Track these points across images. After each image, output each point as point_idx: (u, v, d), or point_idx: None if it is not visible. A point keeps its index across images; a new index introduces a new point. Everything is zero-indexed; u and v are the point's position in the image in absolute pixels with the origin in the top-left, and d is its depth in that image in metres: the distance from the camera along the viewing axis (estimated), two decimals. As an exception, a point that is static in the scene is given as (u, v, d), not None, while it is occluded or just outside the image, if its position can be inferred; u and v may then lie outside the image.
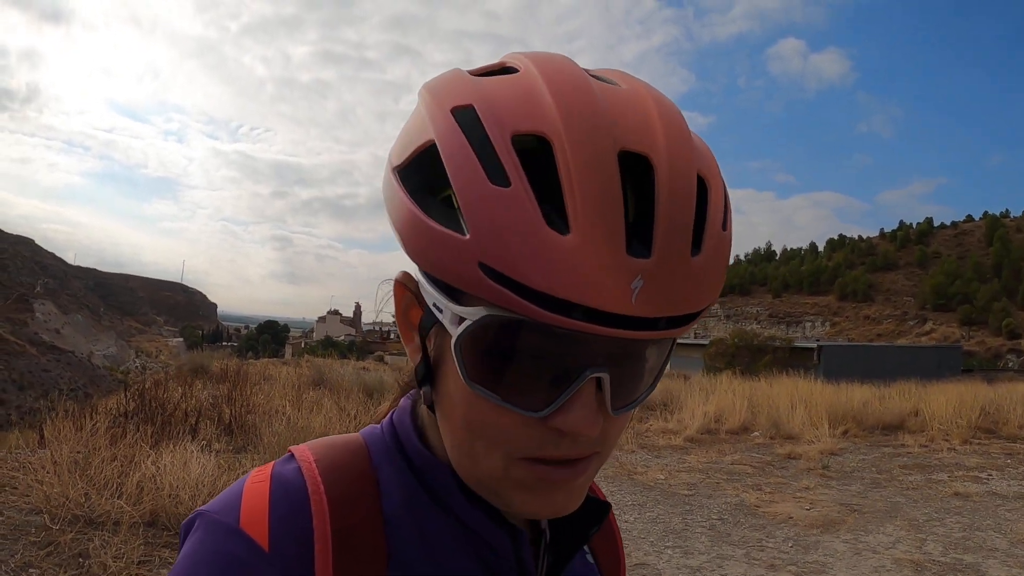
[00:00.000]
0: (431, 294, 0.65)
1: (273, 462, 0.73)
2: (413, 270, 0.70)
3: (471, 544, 0.71)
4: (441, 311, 0.63)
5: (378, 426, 0.80)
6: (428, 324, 0.68)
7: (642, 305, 0.56)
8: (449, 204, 0.59)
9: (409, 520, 0.70)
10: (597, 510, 0.77)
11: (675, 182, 0.58)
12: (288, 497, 0.67)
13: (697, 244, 0.60)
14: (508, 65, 0.67)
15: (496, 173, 0.57)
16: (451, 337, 0.62)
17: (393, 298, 0.73)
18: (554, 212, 0.56)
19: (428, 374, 0.70)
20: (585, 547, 0.87)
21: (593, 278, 0.54)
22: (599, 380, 0.60)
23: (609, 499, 0.88)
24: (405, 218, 0.62)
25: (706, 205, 0.62)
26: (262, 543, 0.63)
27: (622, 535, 0.97)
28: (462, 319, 0.60)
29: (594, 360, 0.60)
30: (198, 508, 0.69)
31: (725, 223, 0.63)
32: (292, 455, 0.74)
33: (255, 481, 0.69)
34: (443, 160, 0.59)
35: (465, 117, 0.60)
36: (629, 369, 0.63)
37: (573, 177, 0.56)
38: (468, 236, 0.56)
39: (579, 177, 0.56)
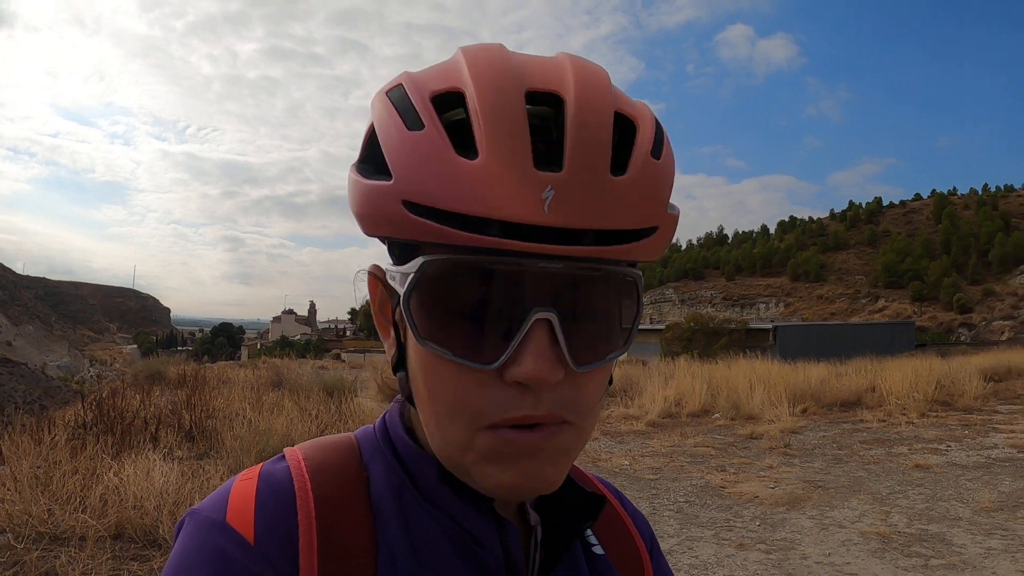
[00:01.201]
0: (389, 271, 0.68)
1: (263, 462, 0.75)
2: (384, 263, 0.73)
3: (459, 538, 0.71)
4: (395, 279, 0.66)
5: (371, 426, 0.81)
6: (394, 303, 0.71)
7: (556, 215, 0.57)
8: (385, 169, 0.63)
9: (397, 516, 0.71)
10: (592, 504, 0.77)
11: (586, 112, 0.61)
12: (274, 494, 0.69)
13: (621, 165, 0.61)
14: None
15: (412, 121, 0.61)
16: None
17: (369, 293, 0.76)
18: (465, 146, 0.59)
19: (401, 360, 0.72)
20: (594, 540, 0.87)
21: (503, 192, 0.57)
22: (550, 324, 0.60)
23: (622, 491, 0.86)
24: (352, 192, 0.68)
25: (634, 135, 0.64)
26: (247, 537, 0.65)
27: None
28: (405, 277, 0.63)
29: (538, 299, 0.60)
30: (190, 508, 0.71)
31: (657, 153, 0.65)
32: (283, 456, 0.76)
33: (243, 479, 0.71)
34: (376, 130, 0.65)
35: (395, 93, 0.65)
36: (580, 312, 0.62)
37: (480, 114, 0.59)
38: (392, 180, 0.61)
39: (486, 112, 0.59)
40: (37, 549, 4.87)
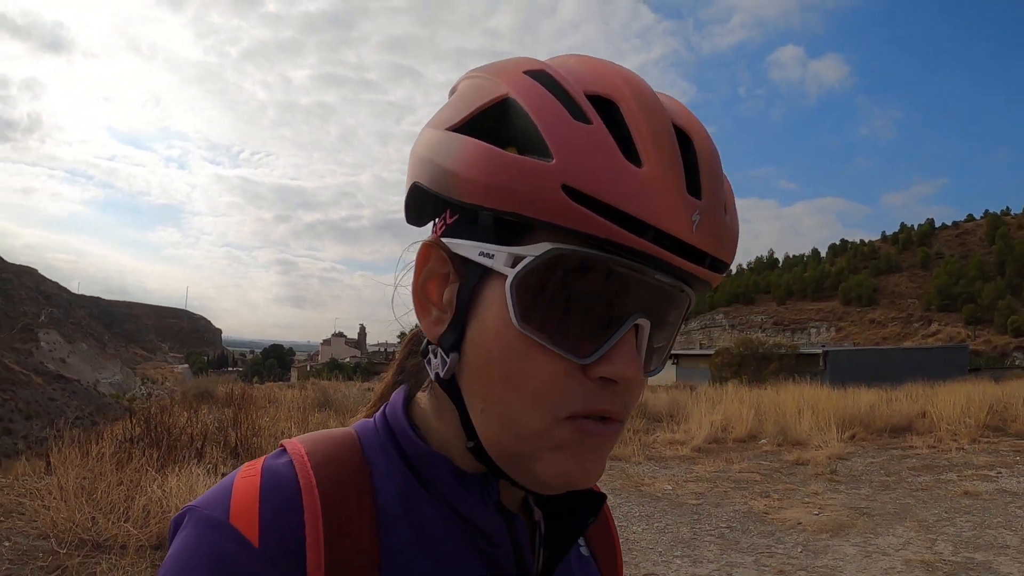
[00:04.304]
0: (474, 246, 0.66)
1: (264, 456, 0.73)
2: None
3: (467, 534, 0.71)
4: (491, 256, 0.65)
5: (371, 420, 0.79)
6: (469, 282, 0.68)
7: (700, 236, 0.63)
8: (537, 148, 0.63)
9: (403, 512, 0.69)
10: (592, 501, 0.77)
11: (711, 155, 0.67)
12: (279, 491, 0.66)
13: (724, 206, 0.67)
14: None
15: (577, 113, 0.63)
16: (502, 281, 0.64)
17: (415, 267, 0.72)
18: (626, 151, 0.62)
19: (457, 341, 0.69)
20: (581, 540, 0.87)
21: (664, 204, 0.61)
22: (638, 329, 0.65)
23: (616, 509, 0.87)
24: (479, 157, 0.64)
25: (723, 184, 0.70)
26: (251, 537, 0.62)
27: (631, 546, 0.97)
28: (519, 258, 0.63)
29: (640, 306, 0.64)
30: (188, 504, 0.68)
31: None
32: (284, 449, 0.73)
33: (245, 475, 0.68)
34: (523, 106, 0.64)
35: (540, 76, 0.66)
36: (661, 321, 0.67)
37: (642, 129, 0.63)
38: (554, 161, 0.60)
39: (646, 129, 0.63)
40: (79, 555, 4.97)
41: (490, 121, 0.66)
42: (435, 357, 0.72)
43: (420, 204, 0.75)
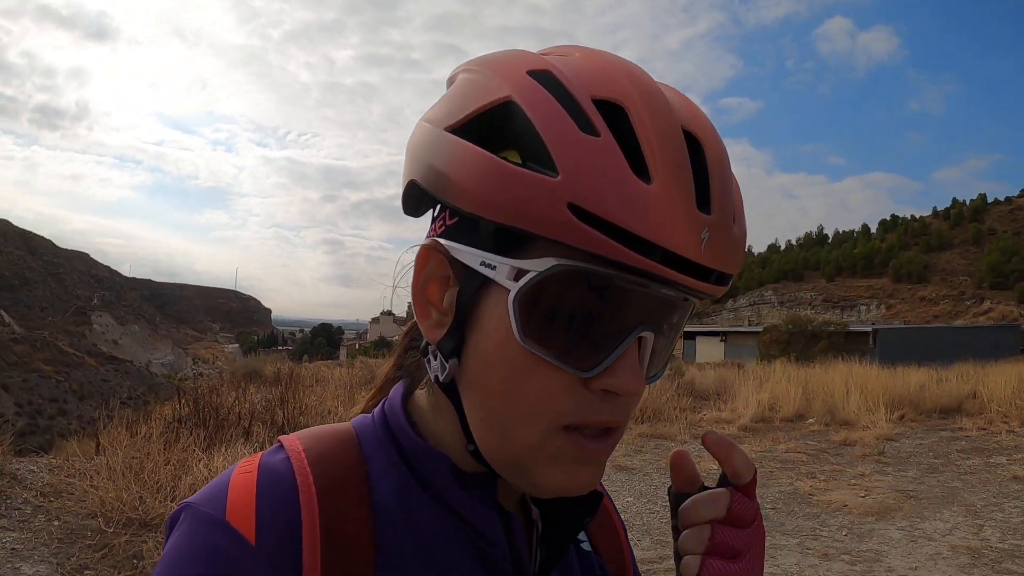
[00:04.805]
0: (475, 254, 0.65)
1: (261, 452, 0.72)
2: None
3: (463, 533, 0.70)
4: (493, 268, 0.63)
5: (369, 416, 0.79)
6: (469, 288, 0.66)
7: (708, 255, 0.61)
8: (516, 157, 0.61)
9: (399, 510, 0.69)
10: (589, 501, 0.76)
11: (721, 161, 0.65)
12: (276, 488, 0.66)
13: (732, 216, 0.66)
14: (557, 52, 0.70)
15: (585, 124, 0.60)
16: (504, 292, 0.63)
17: (415, 269, 0.71)
18: (635, 165, 0.59)
19: (457, 346, 0.68)
20: (582, 536, 0.87)
21: (673, 224, 0.59)
22: (641, 341, 0.64)
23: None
24: (479, 167, 0.62)
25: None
26: (248, 535, 0.62)
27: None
28: (522, 272, 0.61)
29: (644, 318, 0.63)
30: (185, 500, 0.68)
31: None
32: (281, 445, 0.73)
33: (242, 472, 0.68)
34: (526, 112, 0.61)
35: (544, 78, 0.63)
36: (664, 333, 0.66)
37: (652, 139, 0.60)
38: (559, 177, 0.58)
39: (656, 139, 0.60)
40: (126, 534, 5.08)
41: (490, 123, 0.64)
42: (434, 359, 0.71)
43: (417, 199, 0.74)
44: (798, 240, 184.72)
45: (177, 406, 9.72)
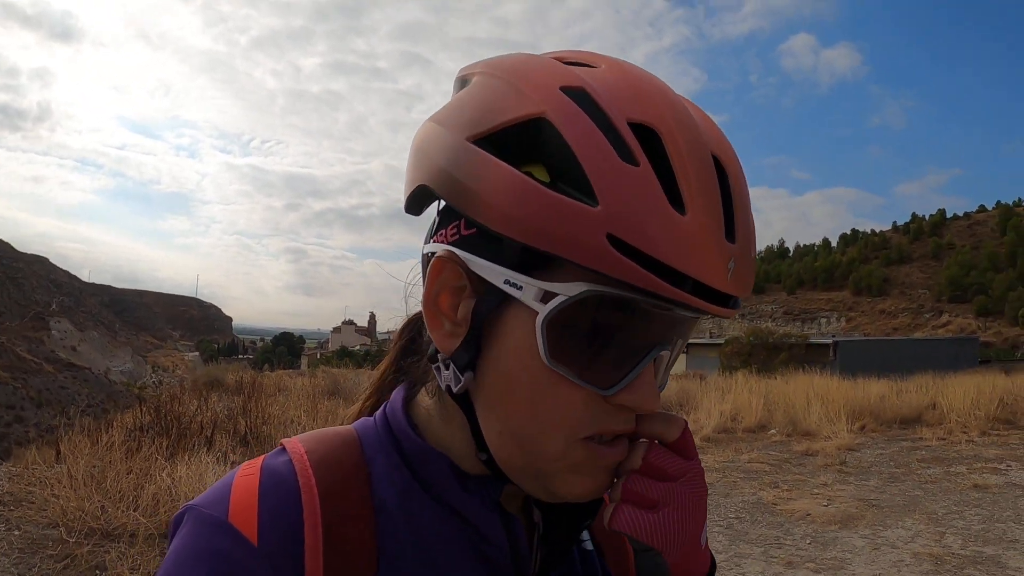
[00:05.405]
0: (499, 271, 0.63)
1: (264, 455, 0.73)
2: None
3: (465, 535, 0.71)
4: (519, 288, 0.62)
5: (371, 419, 0.79)
6: (489, 303, 0.65)
7: (733, 284, 0.63)
8: (543, 173, 0.61)
9: (402, 513, 0.70)
10: (591, 503, 0.75)
11: (743, 187, 0.67)
12: (278, 490, 0.66)
13: (752, 243, 0.68)
14: (579, 60, 0.69)
15: (624, 152, 0.60)
16: (529, 313, 0.63)
17: (427, 278, 0.70)
18: (669, 194, 0.60)
19: (473, 359, 0.67)
20: (584, 536, 0.87)
21: (704, 255, 0.60)
22: (657, 359, 0.66)
23: None
24: (514, 189, 0.60)
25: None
26: (250, 537, 0.62)
27: None
28: (550, 295, 0.61)
29: (663, 338, 0.65)
30: (188, 502, 0.68)
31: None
32: (283, 448, 0.73)
33: (245, 474, 0.69)
34: (563, 133, 0.60)
35: (579, 96, 0.62)
36: (675, 349, 0.69)
37: (687, 168, 0.61)
38: (599, 208, 0.58)
39: (691, 169, 0.61)
40: (88, 544, 5.00)
41: (518, 138, 0.62)
42: (446, 369, 0.70)
43: (421, 200, 0.73)
44: (759, 253, 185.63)
45: (138, 414, 9.60)
